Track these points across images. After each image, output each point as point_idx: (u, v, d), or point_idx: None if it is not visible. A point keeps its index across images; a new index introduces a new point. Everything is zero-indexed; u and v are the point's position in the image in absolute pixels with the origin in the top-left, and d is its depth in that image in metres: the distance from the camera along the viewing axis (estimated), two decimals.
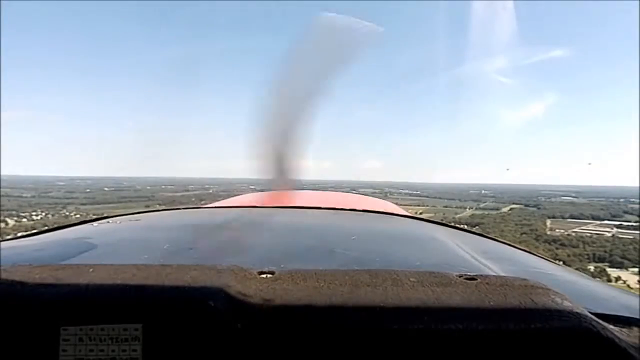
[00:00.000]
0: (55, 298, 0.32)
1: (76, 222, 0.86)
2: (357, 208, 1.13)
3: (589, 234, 25.20)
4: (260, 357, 0.31)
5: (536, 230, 26.12)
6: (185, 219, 0.96)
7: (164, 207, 1.15)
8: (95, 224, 0.83)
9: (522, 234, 24.73)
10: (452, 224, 1.05)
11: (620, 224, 28.85)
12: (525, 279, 0.37)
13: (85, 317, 0.31)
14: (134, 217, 0.93)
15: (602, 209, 36.17)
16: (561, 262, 0.98)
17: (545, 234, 24.93)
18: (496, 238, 0.93)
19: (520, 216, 35.07)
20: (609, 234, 25.32)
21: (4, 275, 0.35)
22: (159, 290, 0.33)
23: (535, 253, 0.86)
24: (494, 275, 0.39)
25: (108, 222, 0.85)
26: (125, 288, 0.33)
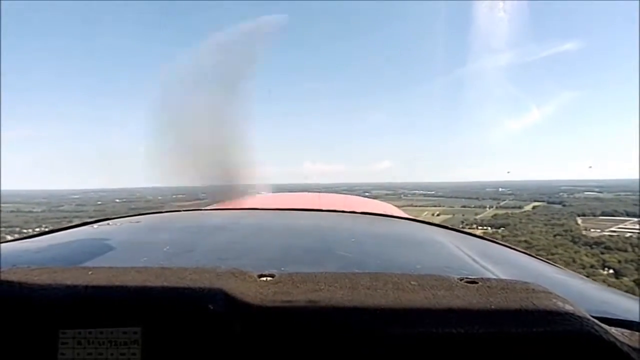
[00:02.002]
0: (54, 300, 0.32)
1: (76, 224, 0.85)
2: (357, 210, 1.10)
3: (629, 234, 23.27)
4: None
5: (570, 230, 24.28)
6: (185, 221, 0.95)
7: (165, 210, 1.11)
8: (95, 225, 0.83)
9: (555, 235, 22.98)
10: (461, 224, 0.79)
11: None
12: (526, 282, 0.37)
13: (84, 320, 0.31)
14: (134, 219, 0.91)
15: (635, 204, 34.05)
16: (562, 266, 0.91)
17: (583, 235, 23.05)
18: (496, 240, 0.93)
19: (547, 215, 33.19)
20: None
21: (3, 277, 0.35)
22: (159, 293, 0.32)
23: (536, 256, 0.86)
24: (495, 279, 0.39)
25: (108, 224, 0.85)
26: (125, 291, 0.33)
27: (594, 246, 19.67)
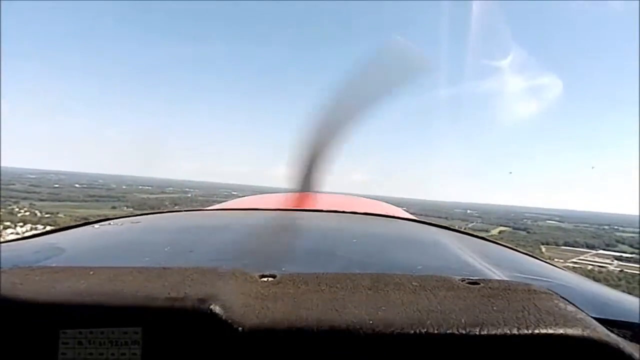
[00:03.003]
0: (55, 300, 0.32)
1: (77, 223, 0.87)
2: (358, 211, 1.10)
3: (591, 267, 24.08)
4: None
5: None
6: (186, 221, 0.95)
7: (167, 210, 1.11)
8: (96, 225, 0.84)
9: None
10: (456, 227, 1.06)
11: (620, 256, 28.09)
12: (528, 284, 0.37)
13: (84, 320, 0.31)
14: (135, 219, 0.92)
15: (594, 237, 35.69)
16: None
17: None
18: (499, 242, 0.94)
19: (513, 240, 34.02)
20: (613, 268, 24.33)
21: (4, 278, 0.35)
22: (160, 293, 0.32)
23: (538, 257, 0.86)
24: (497, 280, 0.39)
25: (109, 224, 0.85)
26: (126, 291, 0.33)
27: None
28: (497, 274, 0.55)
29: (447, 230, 0.94)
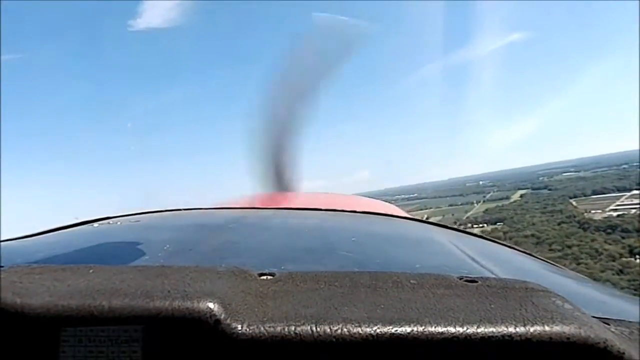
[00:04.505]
0: (55, 299, 0.32)
1: (76, 222, 0.87)
2: (357, 210, 1.11)
3: (633, 210, 22.12)
4: (261, 358, 0.31)
5: (573, 215, 22.92)
6: (185, 220, 0.96)
7: (166, 209, 1.12)
8: (95, 224, 0.84)
9: (560, 223, 21.44)
10: (454, 225, 1.08)
11: None
12: (526, 282, 0.38)
13: (85, 319, 0.31)
14: (134, 217, 0.92)
15: (620, 179, 33.87)
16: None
17: (589, 219, 21.61)
18: (495, 240, 0.94)
19: (539, 202, 32.14)
20: None
21: (4, 276, 0.35)
22: (159, 291, 0.33)
23: (535, 255, 0.87)
24: (494, 278, 0.40)
25: (109, 222, 0.86)
26: (125, 289, 0.33)
27: (608, 230, 18.02)
28: (494, 272, 0.56)
29: (445, 229, 0.94)
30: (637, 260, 14.18)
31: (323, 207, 1.10)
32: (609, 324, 0.34)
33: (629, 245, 15.13)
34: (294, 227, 0.86)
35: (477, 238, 0.90)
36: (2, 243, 0.68)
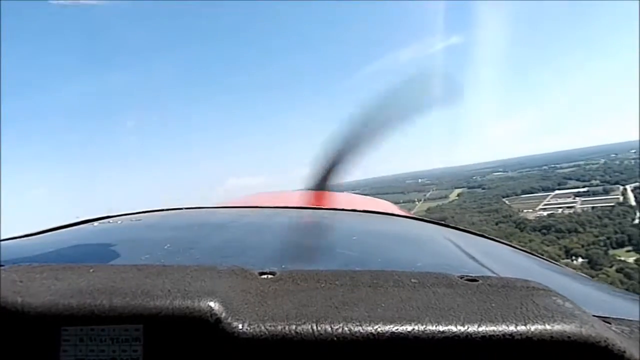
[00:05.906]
0: (56, 298, 0.32)
1: (77, 221, 0.87)
2: (358, 208, 1.12)
3: (560, 210, 23.80)
4: (261, 357, 0.31)
5: (509, 215, 24.15)
6: (186, 219, 0.96)
7: (166, 208, 1.11)
8: (95, 223, 0.84)
9: (497, 223, 22.35)
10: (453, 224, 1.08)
11: (578, 192, 28.55)
12: (526, 280, 0.38)
13: (85, 317, 0.31)
14: (134, 216, 0.92)
15: (543, 179, 36.82)
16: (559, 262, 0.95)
17: (526, 219, 22.76)
18: (496, 239, 0.96)
19: (475, 201, 33.67)
20: (580, 206, 24.30)
21: (5, 275, 0.35)
22: (160, 290, 0.33)
23: (535, 254, 0.88)
24: (495, 277, 0.40)
25: (109, 221, 0.86)
26: (126, 288, 0.33)
27: (543, 231, 18.96)
28: (495, 271, 0.56)
29: (445, 228, 0.95)
30: (575, 262, 14.85)
31: (323, 206, 1.10)
32: (609, 323, 0.34)
33: (565, 247, 15.91)
34: (294, 226, 0.86)
35: (476, 237, 0.92)
36: (2, 242, 0.68)
